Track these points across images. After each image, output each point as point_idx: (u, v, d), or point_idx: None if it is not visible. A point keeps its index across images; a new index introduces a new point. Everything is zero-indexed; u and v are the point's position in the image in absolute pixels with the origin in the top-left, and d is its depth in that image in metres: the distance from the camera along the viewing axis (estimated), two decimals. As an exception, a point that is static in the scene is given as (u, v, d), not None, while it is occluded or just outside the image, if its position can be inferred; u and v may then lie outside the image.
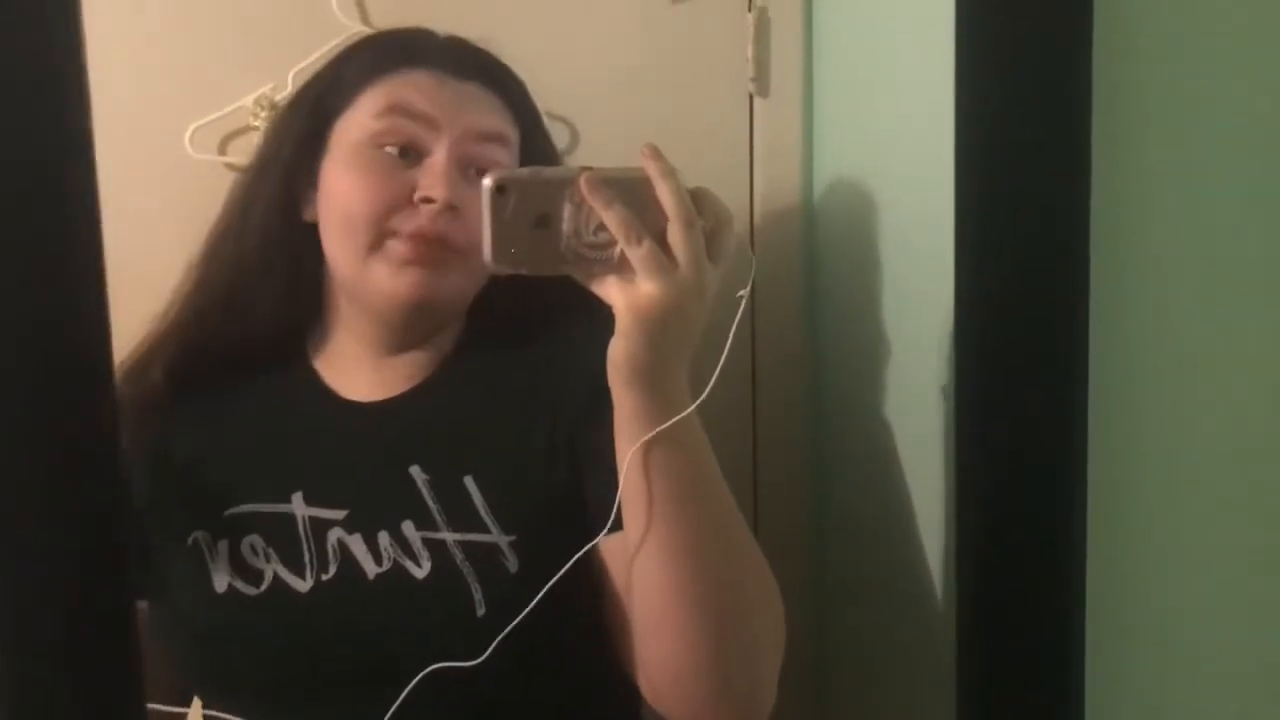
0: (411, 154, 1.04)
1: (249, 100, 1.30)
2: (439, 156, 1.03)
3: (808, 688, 1.34)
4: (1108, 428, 0.88)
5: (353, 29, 1.26)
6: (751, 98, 1.37)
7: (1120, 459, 0.89)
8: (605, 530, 0.95)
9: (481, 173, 0.90)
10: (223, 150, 1.32)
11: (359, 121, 1.05)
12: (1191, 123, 0.89)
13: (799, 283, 1.38)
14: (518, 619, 0.93)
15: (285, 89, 1.26)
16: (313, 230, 1.08)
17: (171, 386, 1.09)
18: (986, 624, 0.86)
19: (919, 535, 1.10)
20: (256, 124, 1.29)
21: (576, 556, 0.95)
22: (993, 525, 0.86)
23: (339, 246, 1.05)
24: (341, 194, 1.04)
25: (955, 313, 0.86)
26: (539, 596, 0.93)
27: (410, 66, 1.06)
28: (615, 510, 0.93)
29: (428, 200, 1.01)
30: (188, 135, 1.31)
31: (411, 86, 1.05)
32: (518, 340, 1.09)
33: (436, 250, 1.02)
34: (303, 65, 1.23)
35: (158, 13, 1.30)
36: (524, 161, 1.09)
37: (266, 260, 1.08)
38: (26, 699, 0.74)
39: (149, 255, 1.32)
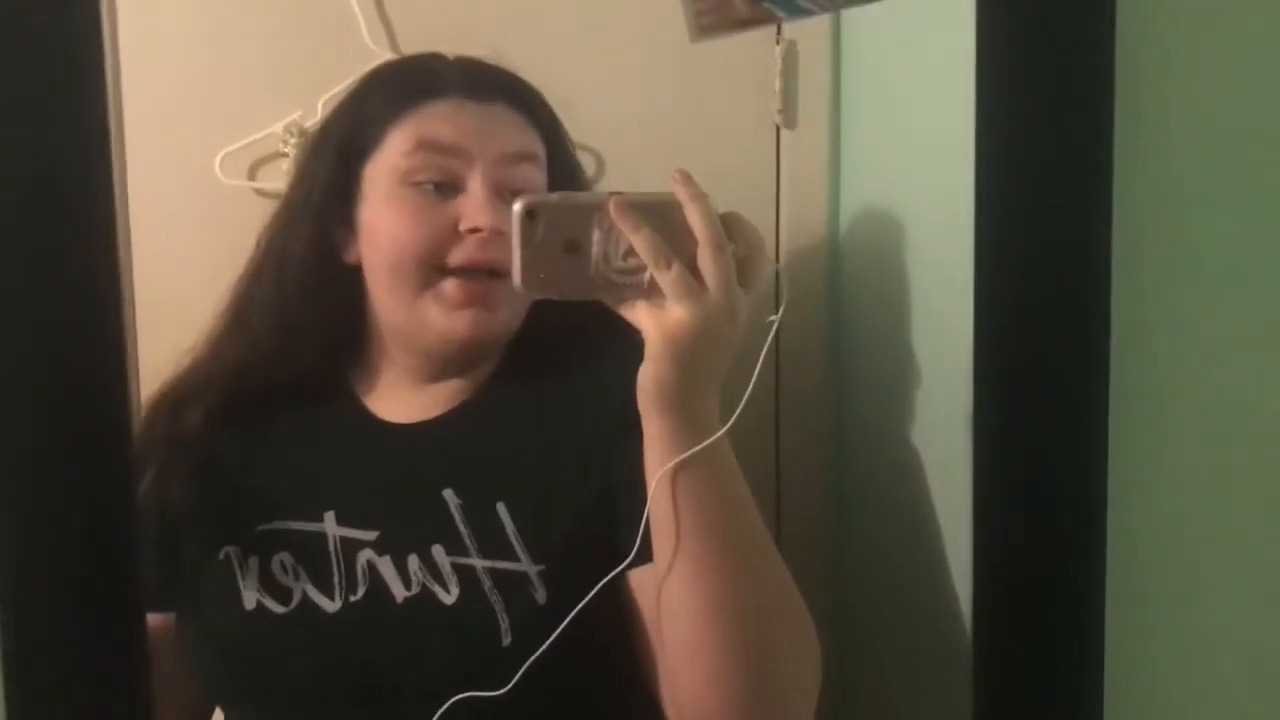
0: (447, 188, 1.03)
1: (279, 127, 1.30)
2: (476, 185, 1.03)
3: (829, 712, 1.33)
4: (1130, 453, 0.87)
5: (382, 56, 1.27)
6: (779, 130, 1.37)
7: (1142, 483, 0.88)
8: (635, 561, 0.94)
9: (516, 194, 0.90)
10: (252, 176, 1.33)
11: (390, 162, 1.05)
12: (1216, 147, 0.88)
13: (823, 313, 1.37)
14: (540, 650, 0.92)
15: (315, 116, 1.27)
16: (353, 272, 1.08)
17: (210, 428, 1.09)
18: (1004, 650, 0.85)
19: (944, 561, 1.09)
20: (286, 150, 1.30)
21: (603, 583, 0.93)
22: (1012, 551, 0.85)
23: (389, 290, 1.05)
24: (386, 236, 1.04)
25: (975, 340, 0.86)
26: (562, 626, 0.92)
27: (432, 98, 1.06)
28: (645, 540, 0.92)
29: (475, 230, 1.02)
30: (218, 161, 1.31)
31: (437, 119, 1.05)
32: (554, 367, 1.08)
33: (487, 286, 1.02)
34: (332, 93, 1.23)
35: (188, 40, 1.31)
36: (552, 174, 1.09)
37: (310, 309, 1.08)
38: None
39: (179, 280, 1.34)
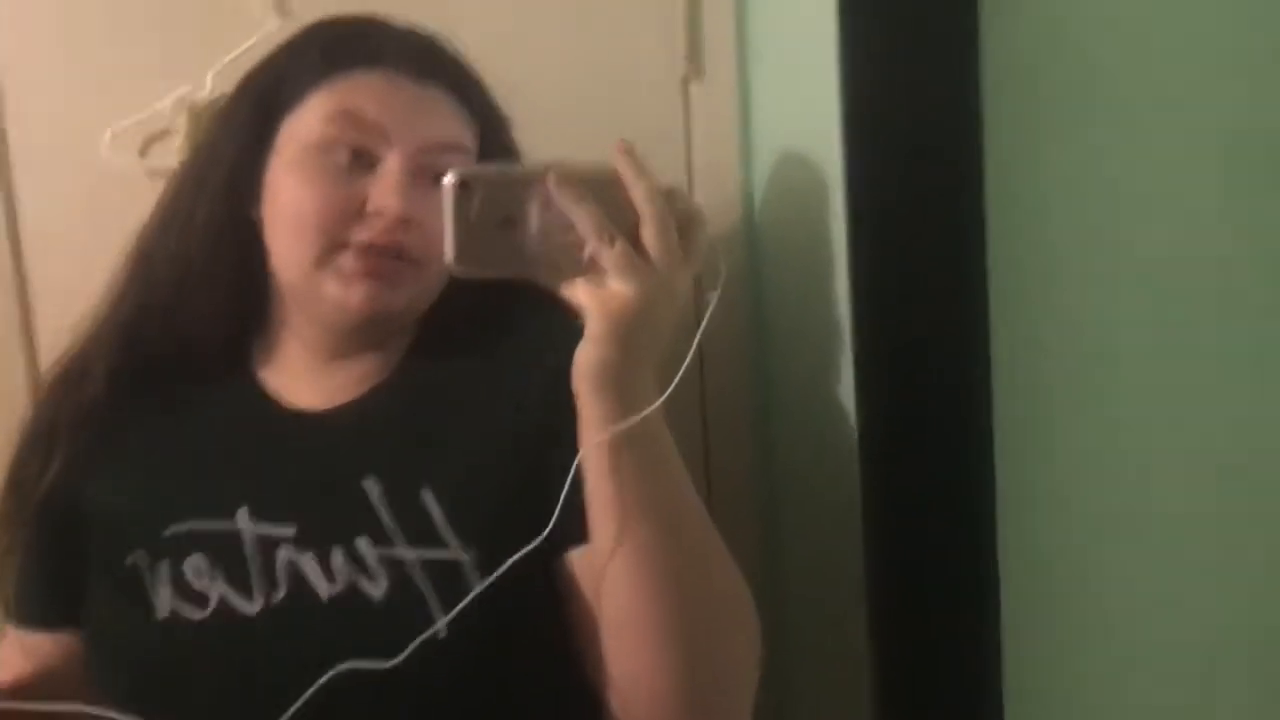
0: (364, 160, 0.99)
1: (168, 102, 1.26)
2: (391, 166, 0.98)
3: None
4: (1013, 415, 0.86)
5: (271, 27, 1.22)
6: (686, 80, 1.34)
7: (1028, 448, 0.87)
8: (566, 539, 0.92)
9: (438, 179, 0.86)
10: (142, 154, 1.28)
11: (308, 124, 1.00)
12: (1090, 122, 0.87)
13: (740, 269, 1.34)
14: (439, 624, 0.90)
15: (204, 90, 1.23)
16: (255, 227, 1.04)
17: (113, 390, 1.04)
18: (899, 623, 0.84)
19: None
20: (176, 128, 1.26)
21: (522, 553, 0.90)
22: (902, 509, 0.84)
23: (287, 252, 1.01)
24: (289, 200, 1.00)
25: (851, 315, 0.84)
26: (481, 587, 0.90)
27: (365, 67, 1.00)
28: (578, 519, 0.90)
29: (379, 213, 0.97)
30: (106, 138, 1.27)
31: (364, 91, 1.00)
32: (475, 342, 1.04)
33: (389, 262, 0.98)
34: (221, 65, 1.20)
35: (74, 16, 1.27)
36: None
37: (214, 257, 1.04)
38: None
39: (69, 261, 1.29)
